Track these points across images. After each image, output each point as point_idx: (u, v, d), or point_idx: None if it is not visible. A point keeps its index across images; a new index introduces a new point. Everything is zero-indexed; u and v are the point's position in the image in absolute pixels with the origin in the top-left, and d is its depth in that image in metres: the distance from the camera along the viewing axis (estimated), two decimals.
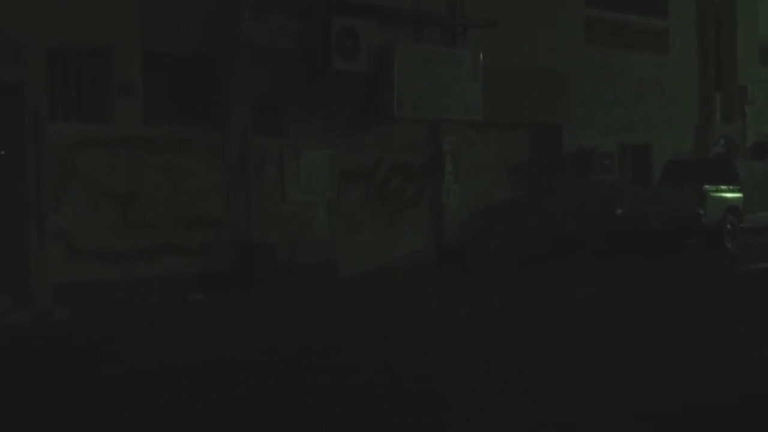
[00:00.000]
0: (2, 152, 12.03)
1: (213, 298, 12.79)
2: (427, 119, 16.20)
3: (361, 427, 6.46)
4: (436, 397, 7.17)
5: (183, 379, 7.96)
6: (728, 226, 18.36)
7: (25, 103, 11.87)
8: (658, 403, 6.98)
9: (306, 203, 14.70)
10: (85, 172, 12.53)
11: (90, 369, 8.48)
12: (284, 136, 14.58)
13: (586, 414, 6.78)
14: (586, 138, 19.48)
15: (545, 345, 9.29)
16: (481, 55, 16.37)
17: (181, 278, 13.17)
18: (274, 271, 13.95)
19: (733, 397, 7.11)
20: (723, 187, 18.58)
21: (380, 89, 15.33)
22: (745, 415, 6.68)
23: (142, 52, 12.98)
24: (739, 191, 18.72)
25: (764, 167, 19.52)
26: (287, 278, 14.08)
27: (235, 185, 13.88)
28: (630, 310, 11.63)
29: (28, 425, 6.66)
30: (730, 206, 18.47)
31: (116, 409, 6.98)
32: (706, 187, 18.16)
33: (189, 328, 10.70)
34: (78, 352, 9.33)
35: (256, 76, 13.97)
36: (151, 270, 12.94)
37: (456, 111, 16.19)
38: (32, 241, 11.76)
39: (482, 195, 17.63)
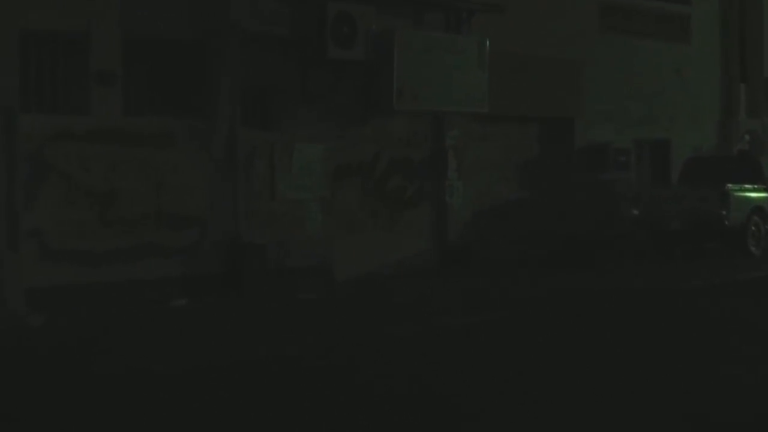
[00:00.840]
0: None
1: (197, 303, 12.82)
2: (429, 111, 16.25)
3: None
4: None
5: (160, 389, 7.98)
6: (752, 227, 18.35)
7: None
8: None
9: (298, 201, 14.74)
10: (61, 168, 12.53)
11: (63, 379, 8.50)
12: (275, 129, 14.63)
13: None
14: (599, 133, 19.51)
15: (554, 354, 9.30)
16: (487, 43, 16.42)
17: (163, 282, 13.19)
18: (264, 274, 13.97)
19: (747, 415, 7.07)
20: (747, 186, 18.58)
21: (378, 79, 15.38)
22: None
23: (122, 39, 13.01)
24: (764, 190, 18.72)
25: None
26: (278, 282, 14.10)
27: (222, 182, 13.90)
28: (646, 316, 11.64)
29: None
30: (755, 207, 18.46)
31: (87, 422, 6.99)
32: (729, 186, 18.16)
33: (170, 335, 10.69)
34: (50, 362, 9.30)
35: (245, 64, 13.98)
36: (132, 273, 12.95)
37: (460, 103, 16.24)
38: (3, 242, 11.66)
39: (488, 193, 17.71)
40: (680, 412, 7.04)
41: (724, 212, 17.85)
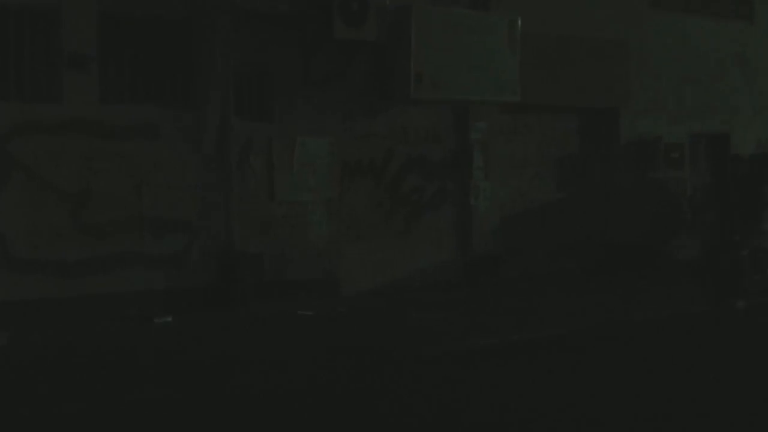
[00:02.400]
0: None
1: (183, 321, 12.85)
2: (452, 101, 16.23)
3: None
4: None
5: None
6: None
7: None
8: None
9: (300, 204, 14.82)
10: (27, 164, 12.60)
11: (21, 411, 8.45)
12: (274, 120, 14.65)
13: None
14: (649, 125, 19.41)
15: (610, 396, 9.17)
16: (519, 21, 16.38)
17: (145, 295, 13.32)
18: (260, 287, 14.07)
19: None
20: None
21: (393, 63, 15.43)
22: None
23: (98, 16, 13.06)
24: None
25: None
26: (276, 297, 14.21)
27: (212, 181, 13.95)
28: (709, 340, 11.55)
29: None
30: None
31: None
32: None
33: (149, 357, 10.71)
34: (8, 390, 9.26)
35: (238, 45, 14.05)
36: (109, 285, 13.05)
37: (487, 90, 16.21)
38: None
39: (519, 195, 17.73)
40: None
41: None
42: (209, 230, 13.89)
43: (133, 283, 13.22)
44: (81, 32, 12.92)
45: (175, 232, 13.64)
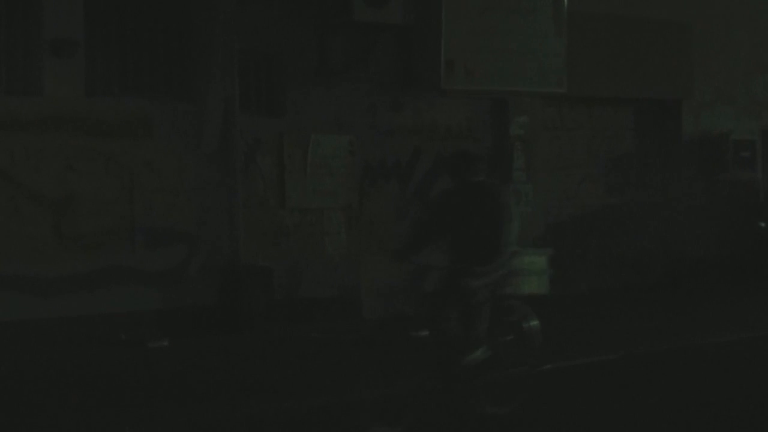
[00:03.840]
0: None
1: (182, 346, 12.84)
2: (488, 92, 16.22)
3: None
4: None
5: None
6: None
7: None
8: None
9: (315, 211, 14.85)
10: (2, 165, 12.60)
11: None
12: (284, 114, 14.68)
13: None
14: (715, 119, 19.30)
15: None
16: (566, 0, 16.39)
17: (137, 317, 13.30)
18: (269, 307, 14.01)
19: None
20: None
21: (421, 48, 15.45)
22: None
23: None
24: None
25: None
26: (287, 318, 14.20)
27: (214, 185, 13.95)
28: None
29: None
30: None
31: None
32: None
33: (140, 390, 10.56)
34: None
35: (244, 29, 14.02)
36: (95, 305, 13.03)
37: (530, 80, 16.21)
38: None
39: (566, 200, 17.72)
40: None
41: None
42: (211, 241, 13.91)
43: (124, 302, 13.22)
44: (64, 14, 12.92)
45: (172, 244, 13.66)
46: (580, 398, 10.25)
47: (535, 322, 9.54)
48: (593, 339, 13.32)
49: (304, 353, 12.57)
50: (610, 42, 17.56)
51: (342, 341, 13.17)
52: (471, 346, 9.17)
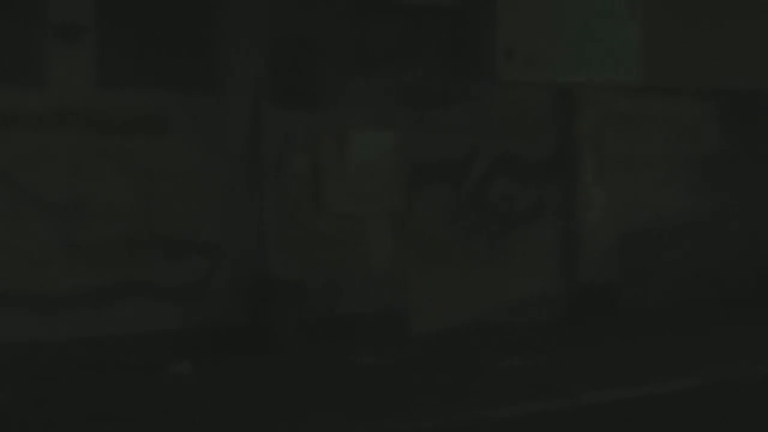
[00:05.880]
0: None
1: (205, 370, 12.80)
2: (552, 82, 16.14)
3: None
4: None
5: None
6: None
7: None
8: None
9: (355, 218, 14.81)
10: (2, 167, 12.52)
11: None
12: (320, 108, 14.59)
13: None
14: None
15: None
16: None
17: (155, 337, 13.28)
18: (304, 325, 14.04)
19: None
20: None
21: (476, 34, 15.37)
22: None
23: None
24: None
25: None
26: (325, 338, 14.18)
27: (240, 188, 13.93)
28: None
29: None
30: None
31: None
32: None
33: (158, 424, 10.39)
34: None
35: (274, 12, 14.09)
36: (107, 324, 12.99)
37: (599, 69, 16.24)
38: None
39: (641, 206, 17.55)
40: None
41: None
42: (237, 252, 13.90)
43: (139, 320, 13.20)
44: None
45: (193, 255, 13.65)
46: None
47: None
48: (667, 361, 13.24)
49: (344, 379, 12.47)
50: (693, 24, 17.53)
51: (387, 365, 13.22)
52: None
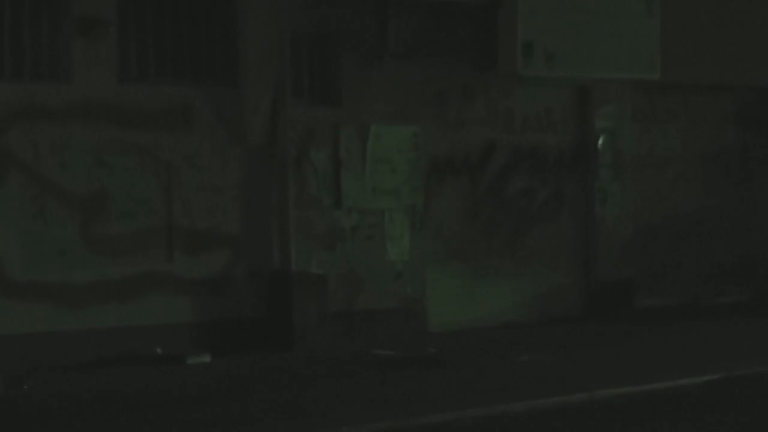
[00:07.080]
0: None
1: (225, 363, 12.83)
2: (571, 78, 16.20)
3: None
4: None
5: None
6: None
7: None
8: None
9: (375, 212, 14.85)
10: (27, 160, 12.60)
11: None
12: (341, 102, 14.70)
13: None
14: None
15: None
16: None
17: (175, 330, 13.29)
18: (323, 320, 14.00)
19: None
20: None
21: (496, 29, 15.38)
22: None
23: None
24: None
25: None
26: (344, 332, 14.19)
27: (261, 182, 13.92)
28: None
29: None
30: None
31: None
32: None
33: (178, 414, 10.35)
34: None
35: (296, 5, 14.06)
36: (128, 316, 13.05)
37: (617, 65, 16.20)
38: None
39: (659, 202, 17.69)
40: None
41: None
42: (257, 246, 13.91)
43: (160, 313, 13.24)
44: None
45: (214, 249, 13.68)
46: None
47: None
48: (686, 358, 13.24)
49: (363, 372, 12.47)
50: (711, 21, 17.55)
51: (406, 359, 13.16)
52: None
